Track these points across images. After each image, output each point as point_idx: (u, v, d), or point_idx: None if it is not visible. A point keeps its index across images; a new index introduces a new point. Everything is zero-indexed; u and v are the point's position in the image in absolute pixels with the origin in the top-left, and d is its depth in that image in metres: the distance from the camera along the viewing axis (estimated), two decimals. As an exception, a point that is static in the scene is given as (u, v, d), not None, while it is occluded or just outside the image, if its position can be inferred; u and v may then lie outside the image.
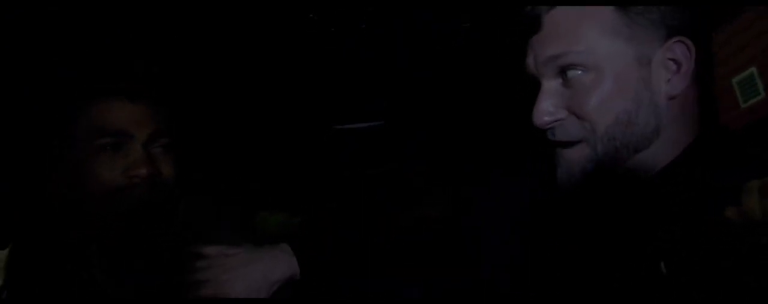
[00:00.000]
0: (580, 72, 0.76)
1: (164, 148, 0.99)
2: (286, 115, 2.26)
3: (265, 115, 2.24)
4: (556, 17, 0.78)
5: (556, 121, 0.79)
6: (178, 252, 1.01)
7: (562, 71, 0.78)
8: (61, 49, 1.21)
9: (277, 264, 1.02)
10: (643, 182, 0.80)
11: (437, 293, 1.03)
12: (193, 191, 1.10)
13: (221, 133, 2.21)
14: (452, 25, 1.80)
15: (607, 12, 0.76)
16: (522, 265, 0.91)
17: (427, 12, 1.71)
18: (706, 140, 0.80)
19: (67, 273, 0.97)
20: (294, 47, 1.77)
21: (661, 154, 0.79)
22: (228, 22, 1.55)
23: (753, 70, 1.31)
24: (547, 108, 0.78)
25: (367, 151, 2.57)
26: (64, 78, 0.99)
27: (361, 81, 2.10)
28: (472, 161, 2.57)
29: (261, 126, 2.31)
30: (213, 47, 1.67)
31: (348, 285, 1.07)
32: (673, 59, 0.77)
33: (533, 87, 0.82)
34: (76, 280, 0.97)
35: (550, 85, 0.79)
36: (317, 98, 2.19)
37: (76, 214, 0.99)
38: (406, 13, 1.71)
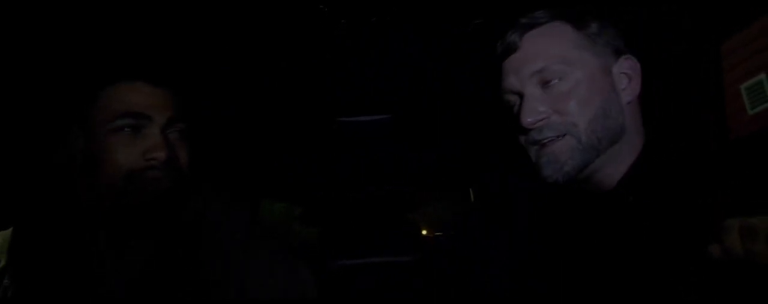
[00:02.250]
0: (557, 79, 0.90)
1: (180, 133, 1.00)
2: (293, 106, 2.26)
3: (273, 106, 2.25)
4: (531, 39, 0.93)
5: (540, 120, 0.90)
6: (188, 239, 1.01)
7: (543, 81, 0.91)
8: (87, 32, 1.21)
9: None
10: (618, 173, 0.93)
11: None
12: (204, 178, 1.10)
13: (230, 123, 2.21)
14: (463, 20, 1.80)
15: (570, 32, 0.93)
16: (525, 269, 0.95)
17: (437, 6, 1.71)
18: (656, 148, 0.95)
19: (74, 256, 0.97)
20: (304, 39, 1.77)
21: (629, 148, 0.93)
22: (238, 13, 1.54)
23: (762, 76, 1.31)
24: (534, 108, 0.90)
25: (373, 144, 2.58)
26: (88, 59, 0.99)
27: (369, 74, 2.10)
28: (480, 155, 2.57)
29: (268, 117, 2.31)
30: (223, 38, 1.66)
31: None
32: (624, 73, 0.94)
33: (512, 101, 0.96)
34: (83, 262, 0.97)
35: (533, 92, 0.91)
36: (325, 90, 2.19)
37: (90, 195, 0.99)
38: (417, 7, 1.70)
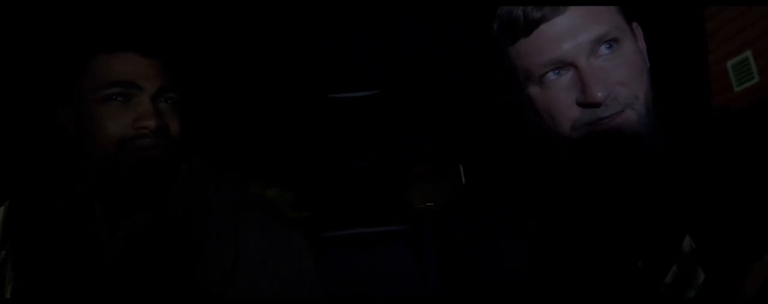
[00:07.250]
0: (614, 46, 0.80)
1: (172, 103, 1.00)
2: (281, 83, 2.25)
3: (261, 84, 2.24)
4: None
5: (608, 95, 0.79)
6: (180, 213, 1.02)
7: (601, 48, 0.80)
8: (75, 3, 1.21)
9: None
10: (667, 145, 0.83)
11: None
12: (195, 153, 1.11)
13: (219, 101, 2.21)
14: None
15: None
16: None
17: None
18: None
19: (68, 227, 0.98)
20: (290, 17, 1.76)
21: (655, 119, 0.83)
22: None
23: (748, 53, 1.33)
24: (603, 79, 0.78)
25: (362, 119, 2.58)
26: (77, 30, 0.99)
27: (357, 50, 2.09)
28: (469, 132, 2.58)
29: (256, 95, 2.30)
30: (207, 19, 1.65)
31: None
32: (641, 40, 0.85)
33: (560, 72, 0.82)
34: (77, 234, 0.98)
35: (591, 64, 0.80)
36: (313, 67, 2.18)
37: (82, 165, 1.00)
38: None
